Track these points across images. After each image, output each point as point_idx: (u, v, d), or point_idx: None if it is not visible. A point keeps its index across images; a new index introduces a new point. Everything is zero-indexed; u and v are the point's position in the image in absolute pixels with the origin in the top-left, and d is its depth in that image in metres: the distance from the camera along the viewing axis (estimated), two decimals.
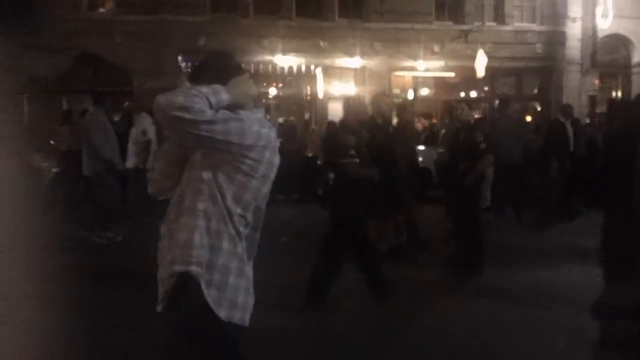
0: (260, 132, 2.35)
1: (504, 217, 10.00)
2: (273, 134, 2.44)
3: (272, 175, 2.44)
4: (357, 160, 5.53)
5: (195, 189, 2.32)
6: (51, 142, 12.42)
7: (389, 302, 5.54)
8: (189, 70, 16.24)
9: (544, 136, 10.88)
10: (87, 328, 4.30)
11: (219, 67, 2.45)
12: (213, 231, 2.31)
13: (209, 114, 2.22)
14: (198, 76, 2.44)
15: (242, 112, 2.35)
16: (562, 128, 10.18)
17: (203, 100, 2.22)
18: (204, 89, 2.26)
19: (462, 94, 18.94)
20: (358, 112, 6.44)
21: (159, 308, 2.36)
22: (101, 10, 18.07)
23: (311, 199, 11.80)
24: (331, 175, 5.98)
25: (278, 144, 2.49)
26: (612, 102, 15.16)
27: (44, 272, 3.18)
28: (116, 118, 10.65)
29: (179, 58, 16.69)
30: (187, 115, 2.18)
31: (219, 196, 2.31)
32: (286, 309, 5.33)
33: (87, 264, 6.83)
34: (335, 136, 6.08)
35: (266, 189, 2.44)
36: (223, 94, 2.31)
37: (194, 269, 2.28)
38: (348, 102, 7.59)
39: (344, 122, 6.32)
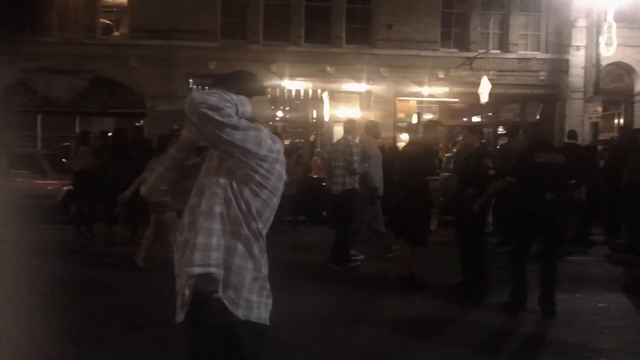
0: (273, 146, 2.42)
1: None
2: (282, 149, 2.51)
3: (281, 188, 2.49)
4: None
5: (211, 193, 2.38)
6: (63, 160, 12.78)
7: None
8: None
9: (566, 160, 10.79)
10: None
11: (246, 82, 2.54)
12: (229, 233, 2.37)
13: (234, 119, 2.30)
14: (225, 84, 2.48)
15: (259, 125, 2.44)
16: (589, 152, 10.06)
17: (232, 106, 2.31)
18: (234, 97, 2.35)
19: (465, 119, 19.21)
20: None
21: (178, 318, 2.37)
22: (115, 34, 18.61)
23: (317, 221, 12.01)
24: None
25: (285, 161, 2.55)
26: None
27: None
28: None
29: (190, 82, 17.13)
30: (216, 116, 2.26)
31: (234, 200, 2.37)
32: None
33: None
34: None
35: (276, 200, 2.50)
36: (248, 106, 2.40)
37: (213, 270, 2.33)
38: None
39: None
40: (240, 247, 2.39)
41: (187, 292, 2.34)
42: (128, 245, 9.33)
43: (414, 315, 6.29)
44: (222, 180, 2.39)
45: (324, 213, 13.03)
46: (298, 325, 5.52)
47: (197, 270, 2.33)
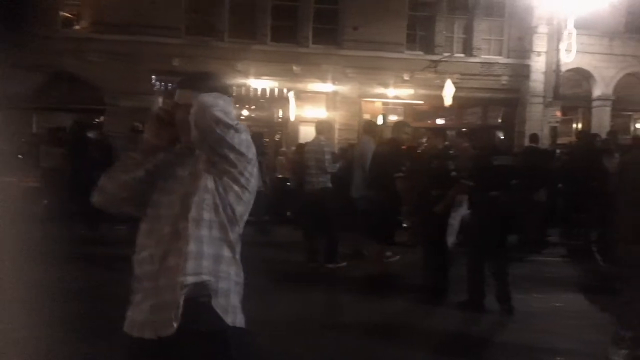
0: (253, 147, 2.42)
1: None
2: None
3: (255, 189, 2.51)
4: None
5: (200, 199, 2.32)
6: (19, 156, 12.43)
7: None
8: (163, 89, 16.52)
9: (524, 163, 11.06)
10: None
11: (214, 82, 2.49)
12: (216, 240, 2.34)
13: (236, 122, 2.31)
14: (193, 83, 2.43)
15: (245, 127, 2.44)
16: (548, 155, 10.35)
17: (232, 107, 2.35)
18: (226, 97, 2.36)
19: (429, 122, 19.41)
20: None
21: (171, 330, 2.23)
22: (76, 28, 18.19)
23: (282, 221, 11.98)
24: None
25: None
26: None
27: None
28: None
29: (153, 78, 16.90)
30: (226, 119, 2.26)
31: (220, 205, 2.34)
32: None
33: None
34: None
35: (252, 202, 2.49)
36: (231, 107, 2.39)
37: (206, 278, 2.29)
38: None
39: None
40: (226, 253, 2.37)
41: (181, 302, 2.24)
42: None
43: (377, 318, 6.30)
44: (210, 186, 2.34)
45: (288, 213, 13.06)
46: (270, 329, 5.47)
47: (190, 279, 2.26)
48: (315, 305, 6.62)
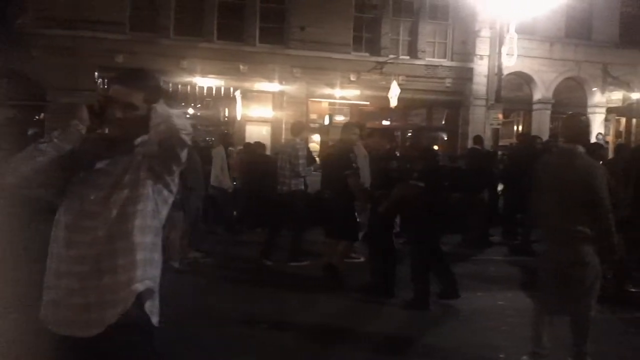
0: None
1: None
2: None
3: None
4: None
5: (144, 206, 2.36)
6: None
7: None
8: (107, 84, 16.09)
9: (469, 164, 11.32)
10: None
11: (155, 83, 2.51)
12: (153, 245, 2.40)
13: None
14: (133, 83, 2.43)
15: None
16: (490, 157, 10.61)
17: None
18: (186, 115, 2.45)
19: (376, 122, 19.59)
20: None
21: (92, 333, 2.28)
22: (19, 23, 17.56)
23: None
24: None
25: None
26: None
27: None
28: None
29: (96, 74, 16.50)
30: (187, 141, 2.36)
31: (156, 212, 2.42)
32: None
33: None
34: None
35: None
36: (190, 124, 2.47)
37: (149, 284, 2.35)
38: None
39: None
40: (157, 257, 2.44)
41: (128, 306, 2.28)
42: None
43: (317, 317, 6.35)
44: (150, 193, 2.39)
45: (234, 213, 12.92)
46: (213, 326, 5.45)
47: (139, 286, 2.31)
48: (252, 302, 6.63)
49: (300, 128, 9.07)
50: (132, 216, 2.32)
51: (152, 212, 2.38)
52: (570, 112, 6.24)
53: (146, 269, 2.34)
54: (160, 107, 2.32)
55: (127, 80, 2.43)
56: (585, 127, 4.78)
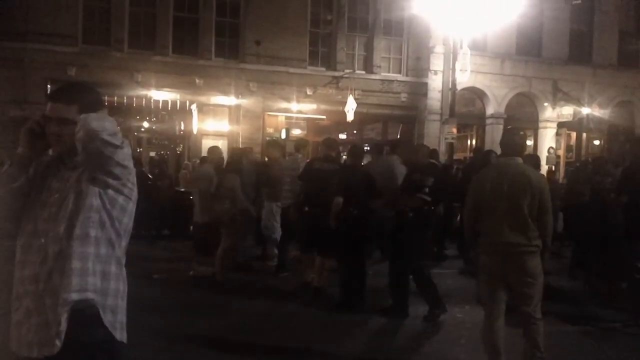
0: (132, 160, 2.46)
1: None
2: None
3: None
4: None
5: (85, 217, 2.31)
6: None
7: None
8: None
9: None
10: None
11: (91, 95, 2.47)
12: (103, 256, 2.34)
13: (120, 140, 2.32)
14: (68, 96, 2.42)
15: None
16: (445, 170, 10.79)
17: (116, 125, 2.34)
18: (109, 117, 2.36)
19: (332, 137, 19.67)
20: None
21: (55, 349, 2.23)
22: None
23: (183, 235, 11.69)
24: None
25: None
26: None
27: None
28: None
29: (48, 87, 16.10)
30: (113, 141, 2.27)
31: (107, 222, 2.36)
32: None
33: None
34: None
35: (134, 213, 2.51)
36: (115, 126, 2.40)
37: (91, 295, 2.28)
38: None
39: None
40: (113, 269, 2.39)
41: (63, 320, 2.23)
42: None
43: (293, 325, 6.42)
44: (95, 203, 2.34)
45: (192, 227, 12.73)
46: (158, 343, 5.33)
47: (74, 296, 2.25)
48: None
49: (303, 144, 9.71)
50: (73, 228, 2.30)
51: (97, 222, 2.33)
52: (508, 127, 6.52)
53: (86, 280, 2.28)
54: (82, 116, 2.29)
55: (59, 96, 2.43)
56: (522, 141, 4.98)
